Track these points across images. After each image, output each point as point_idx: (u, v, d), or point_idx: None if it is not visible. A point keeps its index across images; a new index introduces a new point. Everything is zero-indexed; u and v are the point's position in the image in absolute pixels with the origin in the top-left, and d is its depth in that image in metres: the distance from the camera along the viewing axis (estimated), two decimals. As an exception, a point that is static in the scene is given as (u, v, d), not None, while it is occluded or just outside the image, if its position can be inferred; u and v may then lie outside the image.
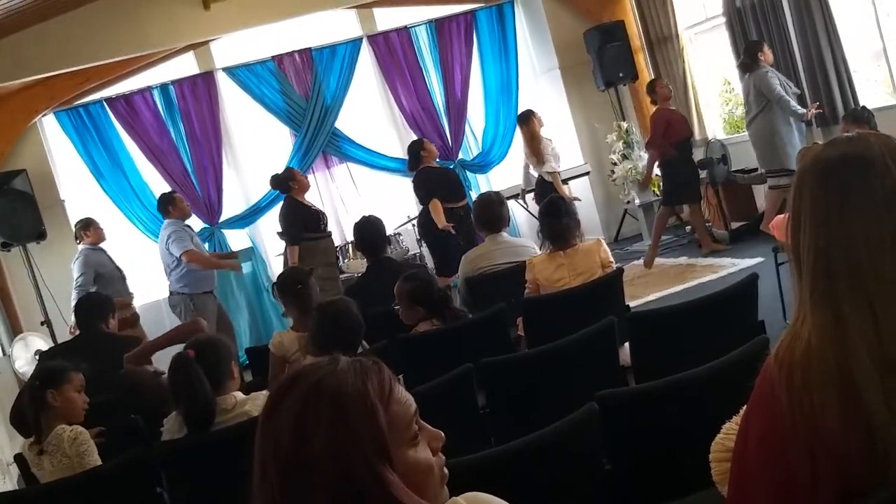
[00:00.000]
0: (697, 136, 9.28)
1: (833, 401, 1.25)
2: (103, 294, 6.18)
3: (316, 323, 3.90)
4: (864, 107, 6.88)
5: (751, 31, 8.45)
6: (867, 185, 1.31)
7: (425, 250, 8.35)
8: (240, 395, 3.32)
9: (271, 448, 1.18)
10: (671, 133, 8.16)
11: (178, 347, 3.41)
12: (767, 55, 7.54)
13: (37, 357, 6.99)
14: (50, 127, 9.14)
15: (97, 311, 5.28)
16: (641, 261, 8.67)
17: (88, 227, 7.44)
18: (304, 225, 7.26)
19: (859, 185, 1.32)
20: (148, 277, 8.01)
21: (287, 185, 7.34)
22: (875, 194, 1.31)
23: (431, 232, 7.51)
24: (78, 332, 5.48)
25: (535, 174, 8.57)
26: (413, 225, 8.52)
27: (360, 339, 3.91)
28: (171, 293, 7.52)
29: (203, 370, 3.14)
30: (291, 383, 1.23)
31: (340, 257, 8.75)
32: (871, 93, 7.99)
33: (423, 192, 7.52)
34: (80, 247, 7.43)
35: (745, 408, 1.46)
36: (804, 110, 7.38)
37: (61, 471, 3.40)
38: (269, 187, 7.83)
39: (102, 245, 7.53)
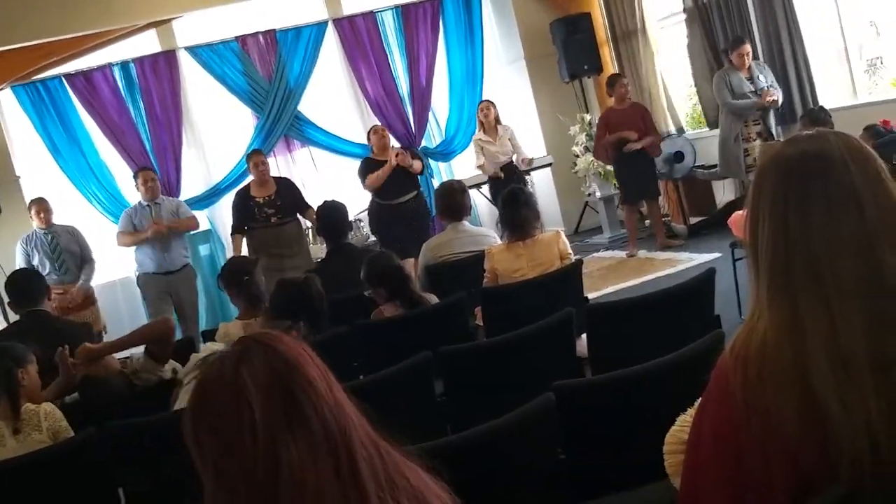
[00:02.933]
0: (664, 130, 9.33)
1: (788, 397, 1.26)
2: (32, 270, 5.97)
3: (277, 291, 3.90)
4: (821, 107, 6.97)
5: (715, 27, 8.53)
6: (826, 184, 1.32)
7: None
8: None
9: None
10: (611, 130, 8.23)
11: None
12: (738, 56, 7.49)
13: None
14: (6, 101, 8.96)
15: (36, 292, 5.06)
16: (601, 253, 8.88)
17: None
18: (242, 215, 7.31)
19: (818, 183, 1.32)
20: (104, 258, 7.88)
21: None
22: (834, 193, 1.32)
23: (375, 221, 7.66)
24: (20, 317, 5.15)
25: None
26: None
27: (323, 311, 3.91)
28: None
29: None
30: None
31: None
32: (832, 93, 8.10)
33: (361, 180, 7.64)
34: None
35: (699, 401, 1.47)
36: (754, 100, 7.43)
37: (26, 448, 3.36)
38: (229, 169, 7.76)
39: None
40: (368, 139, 7.98)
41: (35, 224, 7.22)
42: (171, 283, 7.38)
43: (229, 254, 9.13)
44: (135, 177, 7.52)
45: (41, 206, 7.20)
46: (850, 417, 1.22)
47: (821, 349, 1.26)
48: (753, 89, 7.43)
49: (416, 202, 7.66)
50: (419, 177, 7.93)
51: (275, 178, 7.54)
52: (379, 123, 9.07)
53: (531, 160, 8.76)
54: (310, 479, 1.18)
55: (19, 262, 7.14)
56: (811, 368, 1.26)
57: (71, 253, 7.20)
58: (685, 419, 1.87)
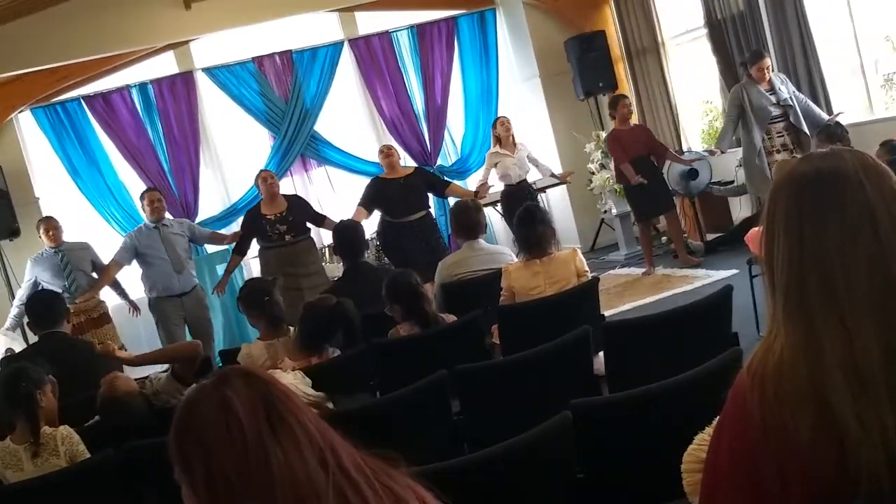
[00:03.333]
0: (676, 147, 9.32)
1: (806, 416, 1.26)
2: (53, 293, 5.93)
3: (308, 322, 3.92)
4: (837, 122, 6.92)
5: (731, 44, 8.53)
6: (841, 201, 1.32)
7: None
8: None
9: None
10: (627, 151, 8.21)
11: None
12: (758, 70, 7.37)
13: (8, 354, 6.90)
14: (26, 124, 9.05)
15: (56, 314, 5.07)
16: (617, 270, 8.87)
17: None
18: (252, 232, 7.29)
19: (833, 201, 1.32)
20: (122, 277, 7.91)
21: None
22: (849, 210, 1.31)
23: (385, 241, 7.62)
24: (38, 338, 5.16)
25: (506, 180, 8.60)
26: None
27: (357, 329, 3.94)
28: None
29: None
30: None
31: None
32: (847, 108, 8.07)
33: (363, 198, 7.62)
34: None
35: (717, 419, 1.46)
36: (715, 150, 7.74)
37: (44, 473, 3.37)
38: (246, 189, 7.78)
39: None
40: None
41: (45, 242, 7.18)
42: (185, 305, 7.31)
43: (247, 274, 9.17)
44: (141, 198, 7.42)
45: (49, 224, 7.16)
46: (867, 434, 1.22)
47: (837, 367, 1.25)
48: (776, 101, 7.37)
49: (426, 221, 7.63)
50: (434, 196, 7.90)
51: (285, 196, 7.41)
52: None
53: (570, 172, 8.91)
54: (300, 473, 1.24)
55: (26, 284, 7.16)
56: (828, 386, 1.25)
57: (82, 270, 7.17)
58: (703, 437, 1.86)
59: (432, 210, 7.96)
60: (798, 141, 7.38)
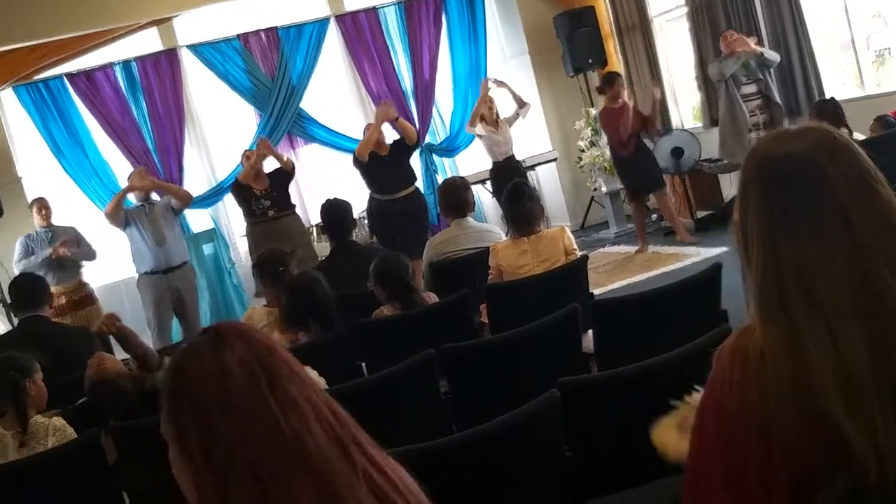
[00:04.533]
0: (666, 124, 9.29)
1: (793, 420, 1.25)
2: (36, 276, 5.87)
3: (288, 299, 3.92)
4: (831, 98, 6.88)
5: (720, 20, 8.47)
6: (811, 204, 1.29)
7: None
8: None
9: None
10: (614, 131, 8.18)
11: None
12: (723, 41, 7.57)
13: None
14: (8, 102, 8.95)
15: (38, 297, 5.03)
16: (607, 248, 8.87)
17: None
18: (242, 199, 7.43)
19: (803, 203, 1.29)
20: (107, 258, 7.86)
21: None
22: (820, 213, 1.29)
23: (374, 217, 7.63)
24: (18, 322, 5.16)
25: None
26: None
27: (332, 310, 3.91)
28: None
29: None
30: None
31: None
32: (838, 84, 8.05)
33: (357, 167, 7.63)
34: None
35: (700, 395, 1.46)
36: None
37: None
38: (232, 167, 7.77)
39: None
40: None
41: (36, 222, 7.24)
42: (171, 281, 7.30)
43: (233, 253, 9.16)
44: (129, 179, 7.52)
45: (42, 203, 7.26)
46: (860, 435, 1.22)
47: (827, 372, 1.24)
48: (746, 74, 7.44)
49: (415, 197, 7.62)
50: (423, 171, 7.88)
51: (268, 173, 7.57)
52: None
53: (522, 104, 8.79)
54: (309, 444, 1.20)
55: (17, 257, 7.13)
56: (818, 390, 1.24)
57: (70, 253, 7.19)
58: (665, 422, 1.86)
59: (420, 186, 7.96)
60: (771, 119, 7.45)
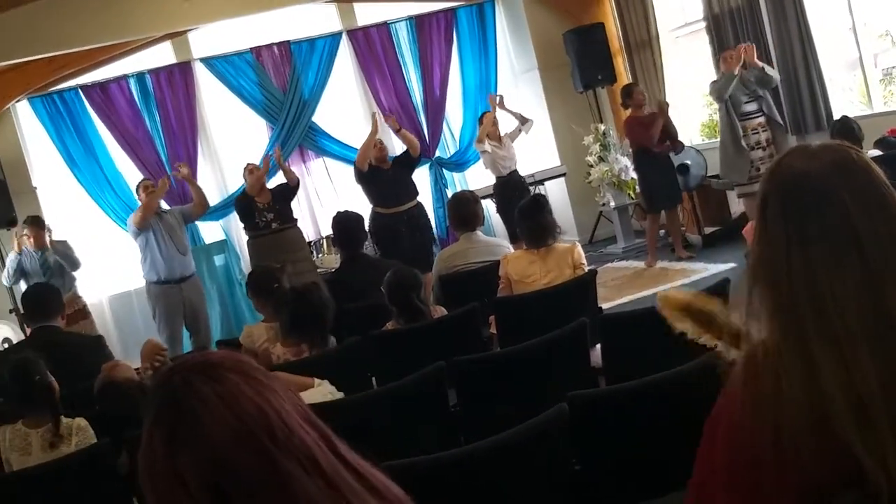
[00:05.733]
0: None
1: (809, 447, 1.25)
2: (49, 286, 5.96)
3: (287, 309, 3.94)
4: (845, 117, 6.87)
5: (728, 37, 8.52)
6: (824, 224, 1.30)
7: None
8: None
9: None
10: (644, 138, 8.18)
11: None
12: (724, 62, 7.55)
13: (5, 345, 6.91)
14: (24, 113, 9.02)
15: (51, 307, 5.06)
16: (615, 263, 8.87)
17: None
18: (244, 213, 7.53)
19: (818, 226, 1.30)
20: (119, 268, 7.92)
21: None
22: (834, 233, 1.29)
23: (377, 231, 7.67)
24: (31, 332, 5.17)
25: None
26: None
27: (330, 319, 3.94)
28: None
29: None
30: None
31: (314, 251, 8.78)
32: (845, 102, 8.07)
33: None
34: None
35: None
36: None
37: (51, 458, 3.38)
38: (243, 180, 7.83)
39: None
40: None
41: (25, 244, 7.27)
42: (184, 292, 7.38)
43: (244, 264, 9.20)
44: (137, 189, 7.56)
45: (33, 230, 7.25)
46: (870, 459, 1.21)
47: (839, 393, 1.24)
48: (748, 92, 7.45)
49: (417, 211, 7.71)
50: (432, 185, 7.92)
51: (270, 189, 7.70)
52: (392, 135, 9.09)
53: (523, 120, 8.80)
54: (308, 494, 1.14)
55: (9, 269, 7.19)
56: (830, 412, 1.24)
57: (57, 272, 7.26)
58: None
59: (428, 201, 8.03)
60: (773, 137, 7.47)
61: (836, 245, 1.29)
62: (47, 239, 7.31)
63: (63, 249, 7.31)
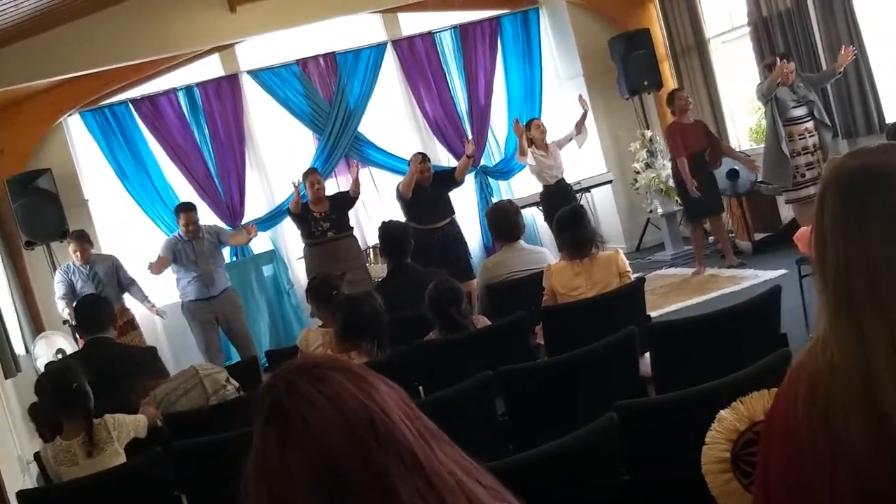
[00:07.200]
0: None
1: (857, 420, 1.25)
2: (101, 297, 6.08)
3: (342, 317, 4.00)
4: None
5: (777, 41, 8.40)
6: (884, 203, 1.32)
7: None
8: None
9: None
10: (687, 146, 8.08)
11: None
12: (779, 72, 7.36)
13: (59, 356, 7.02)
14: (75, 127, 9.20)
15: (103, 318, 5.11)
16: (663, 270, 8.86)
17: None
18: (302, 223, 7.61)
19: (877, 201, 1.32)
20: (169, 278, 8.00)
21: None
22: (893, 212, 1.31)
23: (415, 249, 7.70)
24: (84, 343, 5.22)
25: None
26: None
27: (385, 330, 4.00)
28: None
29: None
30: None
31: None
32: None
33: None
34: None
35: (723, 414, 1.45)
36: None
37: (100, 462, 3.43)
38: (291, 190, 7.90)
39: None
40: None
41: (72, 259, 7.43)
42: (214, 306, 7.53)
43: (292, 274, 9.27)
44: (175, 213, 7.70)
45: (79, 245, 7.38)
46: None
47: (887, 370, 1.25)
48: (796, 98, 7.33)
49: (451, 228, 7.78)
50: (477, 193, 7.91)
51: (328, 196, 7.78)
52: (437, 143, 9.14)
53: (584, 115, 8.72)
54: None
55: (60, 292, 7.31)
56: (879, 389, 1.24)
57: (108, 282, 7.40)
58: (714, 435, 1.86)
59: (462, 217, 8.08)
60: (822, 142, 7.36)
61: (892, 224, 1.31)
62: (91, 251, 7.49)
63: (112, 272, 7.47)
